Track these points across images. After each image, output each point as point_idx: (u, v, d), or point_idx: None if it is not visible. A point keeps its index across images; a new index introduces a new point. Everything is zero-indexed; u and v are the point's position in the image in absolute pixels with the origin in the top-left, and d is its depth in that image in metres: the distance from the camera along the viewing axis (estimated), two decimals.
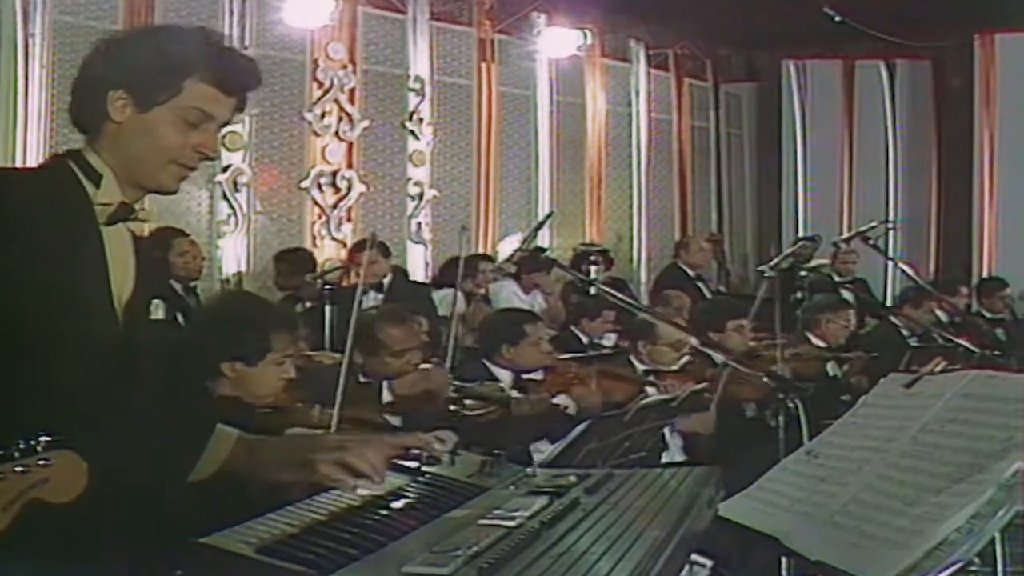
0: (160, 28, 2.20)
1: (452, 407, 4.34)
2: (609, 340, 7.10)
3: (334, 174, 8.84)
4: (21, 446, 1.66)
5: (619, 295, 5.53)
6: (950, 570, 2.04)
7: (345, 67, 8.90)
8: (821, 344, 6.69)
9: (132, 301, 1.98)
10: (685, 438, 5.20)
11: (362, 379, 4.41)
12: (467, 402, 4.44)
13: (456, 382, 4.45)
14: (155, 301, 2.09)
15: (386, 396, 4.43)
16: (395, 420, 4.26)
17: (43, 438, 1.69)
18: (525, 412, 4.62)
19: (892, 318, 7.87)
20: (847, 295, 8.41)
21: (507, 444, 4.52)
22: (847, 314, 6.99)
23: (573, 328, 7.11)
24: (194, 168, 2.04)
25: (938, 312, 8.19)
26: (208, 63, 1.99)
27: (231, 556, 1.62)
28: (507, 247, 9.67)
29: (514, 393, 4.83)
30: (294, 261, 7.90)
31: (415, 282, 8.64)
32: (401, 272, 8.54)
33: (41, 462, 1.68)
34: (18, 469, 1.65)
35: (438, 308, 7.62)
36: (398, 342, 4.44)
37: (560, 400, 4.89)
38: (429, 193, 9.51)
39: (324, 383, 3.82)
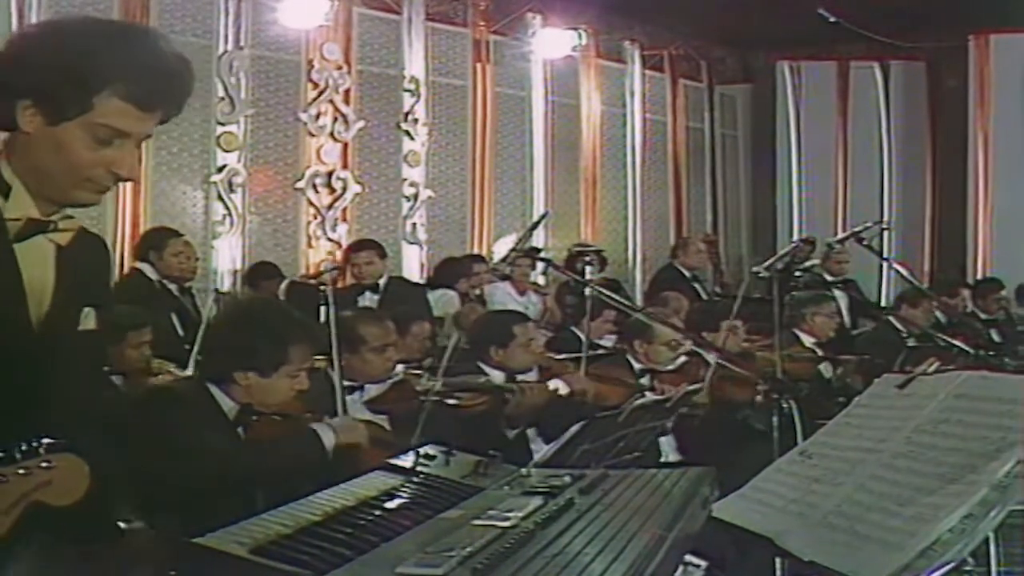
0: (74, 26, 1.94)
1: (445, 400, 4.34)
2: (609, 342, 7.08)
3: (329, 174, 8.83)
4: (23, 448, 1.66)
5: (614, 296, 5.53)
6: (943, 570, 2.04)
7: (340, 68, 8.90)
8: (811, 340, 6.70)
9: (51, 313, 1.90)
10: (679, 439, 5.22)
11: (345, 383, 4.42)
12: (457, 394, 4.45)
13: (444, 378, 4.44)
14: (86, 310, 1.97)
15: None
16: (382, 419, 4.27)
17: (45, 440, 1.69)
18: (521, 401, 4.62)
19: (889, 318, 7.88)
20: (839, 295, 8.42)
21: (499, 433, 4.55)
22: (830, 306, 7.00)
23: (574, 329, 7.09)
24: (109, 187, 1.92)
25: (936, 313, 8.21)
26: (124, 76, 1.84)
27: (225, 557, 1.62)
28: (502, 248, 9.67)
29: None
30: (259, 274, 7.89)
31: (411, 283, 8.62)
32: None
33: (43, 464, 1.67)
34: (20, 472, 1.65)
35: (433, 309, 7.63)
36: (378, 338, 4.45)
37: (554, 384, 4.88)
38: (424, 194, 9.51)
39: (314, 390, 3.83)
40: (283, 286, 7.48)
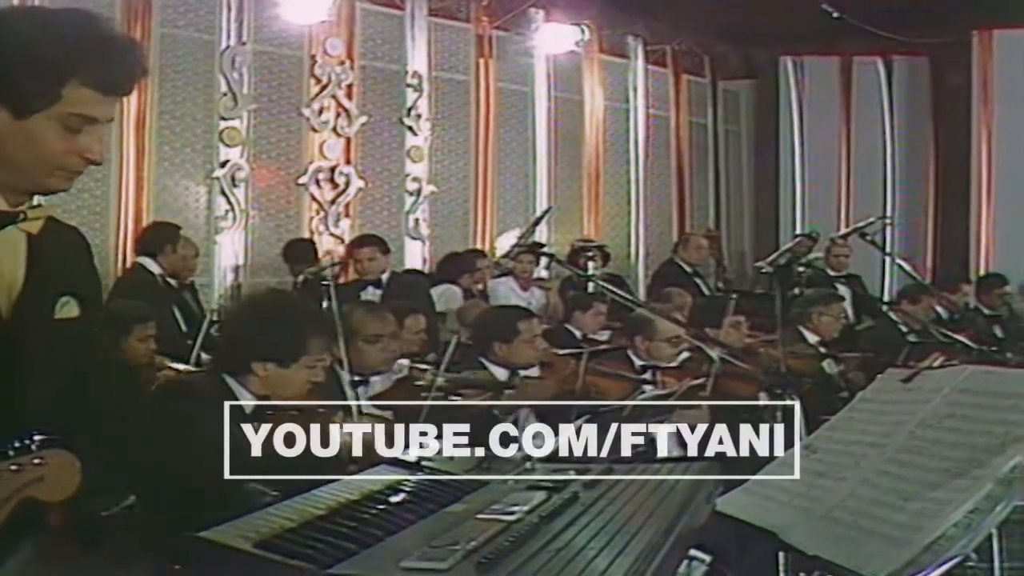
0: (33, 16, 1.92)
1: (448, 397, 4.34)
2: (603, 336, 7.07)
3: (332, 170, 8.82)
4: (16, 445, 1.66)
5: (616, 290, 5.52)
6: (947, 566, 2.04)
7: (343, 63, 8.89)
8: (814, 338, 6.69)
9: (21, 301, 1.88)
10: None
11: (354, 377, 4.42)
12: (460, 391, 4.45)
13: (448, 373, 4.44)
14: (63, 298, 1.95)
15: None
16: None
17: (37, 437, 1.68)
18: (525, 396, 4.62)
19: (891, 314, 7.87)
20: (842, 290, 8.41)
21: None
22: (839, 307, 6.97)
23: (566, 324, 7.09)
24: (81, 172, 1.91)
25: (938, 308, 8.20)
26: (88, 63, 1.84)
27: (230, 551, 1.62)
28: (505, 243, 9.67)
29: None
30: (297, 251, 7.91)
31: (414, 275, 8.61)
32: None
33: (36, 461, 1.67)
34: (12, 468, 1.65)
35: (436, 304, 7.62)
36: (370, 328, 4.46)
37: None
38: (427, 189, 9.50)
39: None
40: (300, 278, 7.47)
